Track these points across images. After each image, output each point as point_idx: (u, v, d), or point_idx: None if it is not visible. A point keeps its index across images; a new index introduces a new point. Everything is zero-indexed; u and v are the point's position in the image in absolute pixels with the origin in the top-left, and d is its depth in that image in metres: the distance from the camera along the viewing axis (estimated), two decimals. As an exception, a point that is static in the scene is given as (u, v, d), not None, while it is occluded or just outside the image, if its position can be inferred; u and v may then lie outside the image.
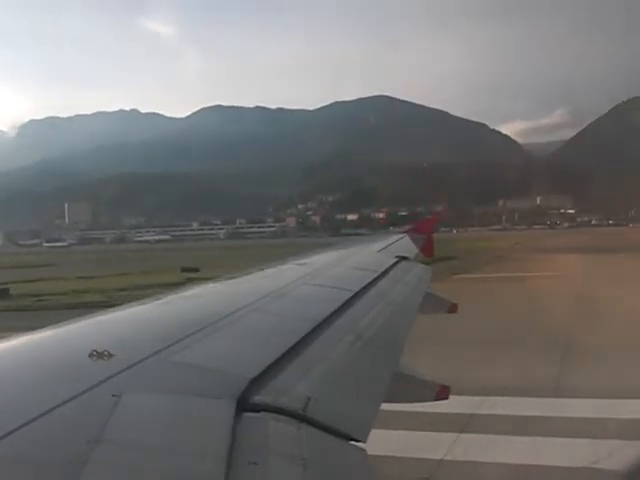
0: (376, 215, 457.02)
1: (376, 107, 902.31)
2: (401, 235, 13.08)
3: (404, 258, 9.10)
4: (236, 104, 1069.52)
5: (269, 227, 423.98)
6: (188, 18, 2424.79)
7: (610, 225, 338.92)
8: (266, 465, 2.00)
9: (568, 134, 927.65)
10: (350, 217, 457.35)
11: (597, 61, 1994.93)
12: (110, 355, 2.58)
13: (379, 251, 10.15)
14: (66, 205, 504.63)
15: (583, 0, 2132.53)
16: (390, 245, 11.05)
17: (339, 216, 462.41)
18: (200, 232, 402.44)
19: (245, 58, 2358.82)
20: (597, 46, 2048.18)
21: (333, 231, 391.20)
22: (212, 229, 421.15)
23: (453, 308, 7.89)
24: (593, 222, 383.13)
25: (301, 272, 6.46)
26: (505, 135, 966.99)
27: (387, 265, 7.84)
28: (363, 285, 5.88)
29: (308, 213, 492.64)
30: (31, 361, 2.73)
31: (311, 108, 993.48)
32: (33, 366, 2.63)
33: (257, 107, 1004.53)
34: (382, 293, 5.97)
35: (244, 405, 2.31)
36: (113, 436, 1.88)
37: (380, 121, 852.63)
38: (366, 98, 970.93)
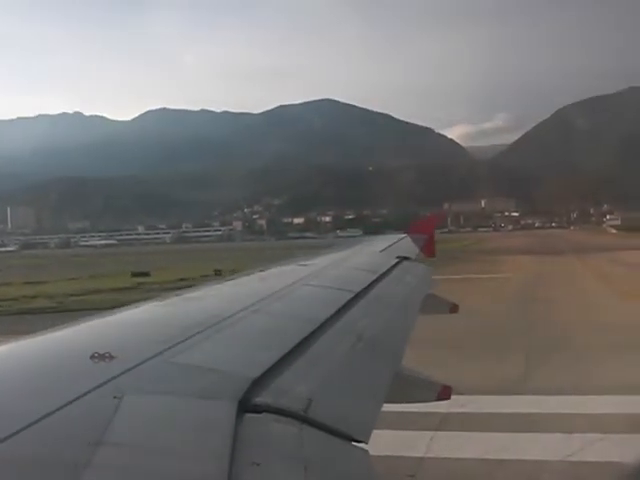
0: (322, 218, 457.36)
1: (321, 110, 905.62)
2: (402, 235, 13.00)
3: (405, 258, 9.04)
4: (182, 107, 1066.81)
5: (215, 231, 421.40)
6: (133, 20, 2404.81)
7: (553, 227, 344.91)
8: (268, 466, 2.00)
9: (511, 138, 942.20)
10: (296, 220, 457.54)
11: (539, 67, 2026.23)
12: (112, 357, 2.59)
13: (380, 251, 10.09)
14: (8, 209, 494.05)
15: (525, 7, 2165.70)
16: (391, 245, 11.03)
17: (285, 219, 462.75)
18: (146, 236, 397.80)
19: (191, 61, 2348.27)
20: (539, 52, 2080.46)
21: (279, 235, 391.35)
22: (158, 233, 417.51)
23: (454, 308, 7.84)
24: (537, 224, 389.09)
25: (302, 273, 6.43)
26: (450, 139, 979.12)
27: (388, 266, 7.81)
28: (364, 286, 5.85)
29: (254, 217, 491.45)
30: (33, 363, 2.72)
31: (256, 111, 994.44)
32: (35, 368, 2.63)
33: (203, 110, 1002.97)
34: (383, 294, 5.95)
35: (246, 406, 2.32)
36: (115, 438, 1.89)
37: (325, 124, 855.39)
38: (311, 102, 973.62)
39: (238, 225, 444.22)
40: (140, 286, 53.95)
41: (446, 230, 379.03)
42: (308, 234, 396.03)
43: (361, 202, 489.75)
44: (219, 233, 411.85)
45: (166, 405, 2.28)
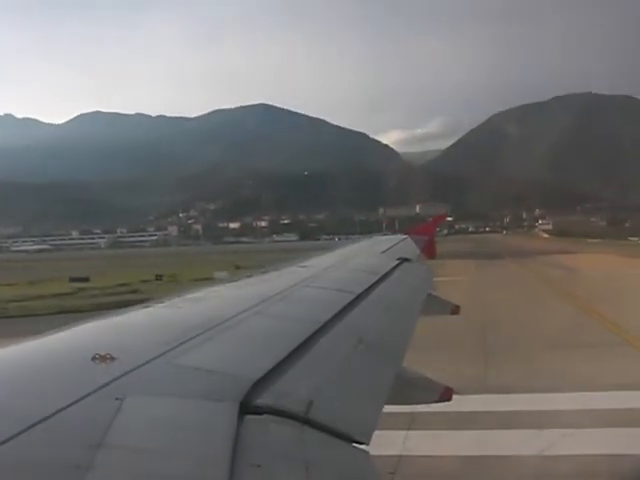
0: (258, 223, 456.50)
1: (256, 115, 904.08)
2: (403, 237, 13.27)
3: (406, 260, 9.15)
4: (116, 111, 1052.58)
5: (151, 236, 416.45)
6: (66, 21, 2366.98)
7: (487, 232, 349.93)
8: (269, 468, 2.01)
9: (445, 144, 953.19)
10: (232, 225, 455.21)
11: (471, 75, 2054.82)
12: (113, 358, 2.60)
13: (381, 253, 10.24)
14: None
15: (460, 19, 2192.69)
16: (392, 247, 11.28)
17: (221, 224, 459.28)
18: (80, 241, 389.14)
19: (125, 64, 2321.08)
20: (471, 59, 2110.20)
21: (215, 239, 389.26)
22: (93, 238, 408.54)
23: (456, 310, 7.88)
24: (470, 229, 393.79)
25: (303, 274, 6.46)
26: (385, 144, 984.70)
27: (389, 267, 7.83)
28: (366, 287, 5.87)
29: (190, 222, 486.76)
30: (35, 365, 2.72)
31: (191, 115, 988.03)
32: (37, 370, 2.63)
33: (137, 114, 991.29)
34: (384, 295, 5.95)
35: (247, 408, 2.32)
36: (117, 440, 1.89)
37: (260, 129, 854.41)
38: (246, 106, 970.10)
39: (173, 230, 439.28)
40: (81, 291, 53.80)
41: (381, 234, 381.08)
42: (244, 239, 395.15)
43: (297, 207, 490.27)
44: (154, 238, 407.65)
45: (167, 407, 2.28)
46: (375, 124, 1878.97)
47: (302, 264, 7.76)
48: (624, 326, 24.79)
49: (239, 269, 73.98)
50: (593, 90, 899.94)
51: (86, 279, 65.69)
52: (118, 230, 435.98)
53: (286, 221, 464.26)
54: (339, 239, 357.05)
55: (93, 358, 2.59)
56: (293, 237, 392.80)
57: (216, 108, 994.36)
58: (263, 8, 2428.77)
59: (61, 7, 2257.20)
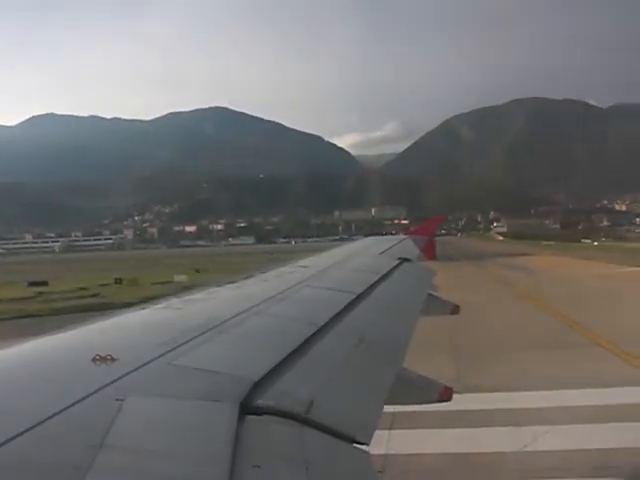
0: (214, 226, 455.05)
1: (212, 118, 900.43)
2: (403, 237, 13.36)
3: (406, 260, 9.15)
4: (70, 113, 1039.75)
5: (106, 239, 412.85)
6: (18, 23, 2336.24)
7: (442, 235, 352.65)
8: (270, 468, 2.01)
9: (400, 147, 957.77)
10: (188, 229, 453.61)
11: (427, 78, 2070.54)
12: (113, 359, 2.60)
13: (381, 253, 10.28)
14: None
15: (415, 21, 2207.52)
16: (392, 247, 11.34)
17: (177, 228, 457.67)
18: (34, 245, 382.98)
19: (80, 66, 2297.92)
20: (427, 63, 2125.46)
21: (172, 243, 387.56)
22: (46, 242, 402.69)
23: (456, 310, 7.84)
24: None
25: (303, 275, 6.47)
26: (340, 147, 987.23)
27: (389, 267, 7.85)
28: (365, 287, 5.85)
29: (145, 225, 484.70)
30: (35, 366, 2.74)
31: (147, 118, 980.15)
32: (37, 371, 2.64)
33: (92, 116, 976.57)
34: (384, 295, 5.94)
35: (247, 408, 2.32)
36: (117, 440, 1.89)
37: (216, 132, 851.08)
38: (202, 109, 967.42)
39: (129, 233, 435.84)
40: (40, 295, 53.34)
41: (337, 238, 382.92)
42: (201, 242, 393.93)
43: (252, 210, 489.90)
44: (110, 242, 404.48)
45: (168, 407, 2.29)
46: (331, 127, 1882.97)
47: (302, 264, 7.73)
48: (585, 324, 25.87)
49: (199, 273, 74.05)
50: (547, 94, 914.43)
51: (45, 283, 64.93)
52: (72, 234, 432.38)
53: (242, 224, 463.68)
54: (295, 242, 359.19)
55: (93, 359, 2.60)
56: (249, 240, 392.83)
57: (172, 111, 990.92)
58: (219, 12, 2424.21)
59: (14, 9, 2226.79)
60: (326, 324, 3.98)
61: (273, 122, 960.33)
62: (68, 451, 1.84)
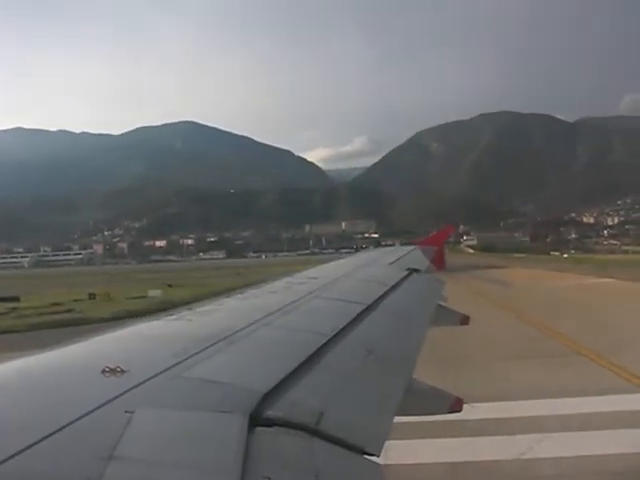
0: (185, 241, 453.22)
1: (182, 132, 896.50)
2: (412, 248, 13.49)
3: (415, 270, 9.20)
4: (39, 127, 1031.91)
5: (76, 254, 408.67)
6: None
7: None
8: (279, 479, 1.99)
9: (369, 161, 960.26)
10: (159, 243, 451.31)
11: (397, 92, 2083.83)
12: (123, 371, 2.60)
13: (390, 264, 10.33)
14: None
15: (383, 36, 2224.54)
16: (401, 258, 11.43)
17: (147, 242, 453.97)
18: (2, 261, 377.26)
19: (48, 80, 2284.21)
20: (397, 78, 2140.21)
21: (142, 258, 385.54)
22: (15, 257, 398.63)
23: (465, 320, 7.79)
24: (397, 245, 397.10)
25: (312, 286, 6.48)
26: (310, 162, 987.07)
27: (399, 278, 7.89)
28: (375, 298, 5.85)
29: (115, 240, 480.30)
30: (45, 377, 2.75)
31: (116, 133, 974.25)
32: (47, 383, 2.65)
33: (61, 131, 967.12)
34: (394, 306, 5.92)
35: (257, 419, 2.31)
36: (126, 452, 1.89)
37: (186, 147, 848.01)
38: (171, 124, 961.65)
39: (99, 248, 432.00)
40: (14, 311, 52.99)
41: (308, 252, 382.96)
42: (171, 257, 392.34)
43: (222, 224, 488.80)
44: (79, 257, 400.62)
45: (177, 419, 2.28)
46: (300, 142, 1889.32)
47: (311, 275, 7.84)
48: (564, 332, 27.07)
49: (172, 287, 74.00)
50: (515, 109, 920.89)
51: (16, 299, 64.55)
52: (41, 249, 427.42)
53: (212, 239, 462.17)
54: (265, 256, 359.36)
55: (103, 371, 2.60)
56: (220, 255, 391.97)
57: (141, 125, 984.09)
58: (186, 26, 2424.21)
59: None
60: (336, 335, 3.96)
61: (243, 136, 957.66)
62: (78, 463, 1.82)
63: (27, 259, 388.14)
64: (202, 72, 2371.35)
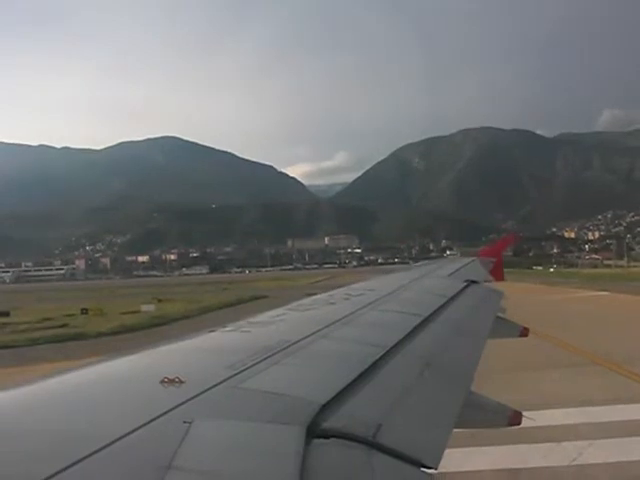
0: (167, 256, 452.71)
1: (164, 148, 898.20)
2: (471, 259, 13.54)
3: (474, 282, 9.13)
4: (19, 142, 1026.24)
5: (58, 270, 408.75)
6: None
7: (395, 263, 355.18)
8: None
9: (351, 177, 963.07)
10: (141, 259, 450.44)
11: (378, 109, 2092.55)
12: (181, 382, 2.65)
13: (449, 275, 10.39)
14: None
15: (362, 51, 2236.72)
16: (460, 269, 11.50)
17: (129, 258, 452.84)
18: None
19: (29, 94, 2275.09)
20: (378, 94, 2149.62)
21: (124, 273, 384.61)
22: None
23: (525, 332, 7.50)
24: (379, 260, 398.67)
25: (371, 297, 6.46)
26: (292, 177, 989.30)
27: (457, 289, 7.88)
28: (433, 310, 5.83)
29: (97, 255, 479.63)
30: (104, 387, 2.81)
31: (97, 148, 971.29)
32: (106, 392, 2.71)
33: (41, 145, 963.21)
34: (452, 318, 5.86)
35: (315, 431, 2.31)
36: (185, 463, 1.91)
37: (168, 162, 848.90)
38: (154, 139, 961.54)
39: (81, 264, 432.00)
40: (6, 326, 52.64)
41: (292, 267, 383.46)
42: (154, 272, 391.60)
43: (205, 240, 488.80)
44: (62, 272, 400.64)
45: (235, 430, 2.31)
46: (282, 157, 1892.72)
47: (369, 287, 7.87)
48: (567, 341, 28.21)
49: (162, 302, 74.14)
50: (495, 124, 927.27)
51: (6, 313, 64.11)
52: (23, 264, 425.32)
53: (195, 254, 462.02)
54: (249, 272, 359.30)
55: (162, 381, 2.66)
56: (203, 270, 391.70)
57: (123, 140, 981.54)
58: (169, 41, 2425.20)
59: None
60: (394, 347, 4.00)
61: (225, 152, 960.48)
62: (137, 473, 1.87)
63: (9, 274, 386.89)
64: (184, 87, 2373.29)
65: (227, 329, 4.43)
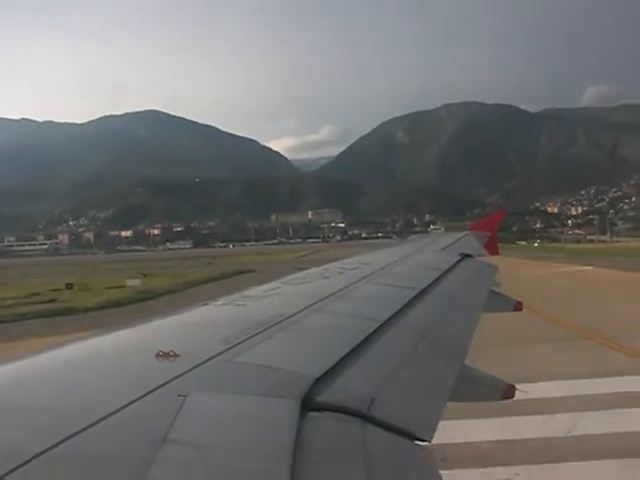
0: (151, 231, 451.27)
1: (146, 122, 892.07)
2: (464, 233, 13.54)
3: (468, 256, 9.18)
4: (0, 115, 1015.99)
5: (41, 245, 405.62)
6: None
7: (380, 237, 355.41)
8: (330, 464, 2.00)
9: (336, 151, 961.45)
10: (125, 233, 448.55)
11: (362, 82, 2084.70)
12: (176, 355, 2.64)
13: (443, 249, 10.39)
14: None
15: (347, 26, 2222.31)
16: (454, 243, 11.49)
17: (113, 232, 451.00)
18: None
19: (11, 67, 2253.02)
20: (362, 68, 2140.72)
21: (108, 248, 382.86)
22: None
23: (519, 306, 7.55)
24: (363, 235, 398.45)
25: (365, 271, 6.50)
26: (275, 151, 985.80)
27: (451, 263, 7.89)
28: (427, 283, 5.83)
29: (80, 230, 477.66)
30: (99, 361, 2.81)
31: (80, 122, 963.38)
32: (101, 366, 2.71)
33: (23, 119, 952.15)
34: (446, 291, 5.89)
35: (309, 404, 2.31)
36: (179, 436, 1.92)
37: (151, 136, 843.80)
38: (136, 113, 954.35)
39: (65, 238, 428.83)
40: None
41: (276, 241, 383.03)
42: (138, 247, 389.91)
43: (189, 214, 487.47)
44: (45, 247, 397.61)
45: (229, 403, 2.31)
46: (266, 131, 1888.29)
47: (364, 261, 7.91)
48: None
49: (147, 277, 73.88)
50: (480, 99, 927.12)
51: (-10, 290, 63.62)
52: (5, 239, 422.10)
53: (178, 229, 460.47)
54: (233, 246, 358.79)
55: (157, 355, 2.65)
56: (187, 245, 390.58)
57: (106, 114, 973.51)
58: (150, 14, 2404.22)
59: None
60: (388, 320, 3.96)
61: (208, 126, 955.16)
62: (132, 445, 1.87)
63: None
64: (168, 61, 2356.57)
65: (221, 303, 4.39)
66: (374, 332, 3.57)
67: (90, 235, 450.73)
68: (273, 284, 5.64)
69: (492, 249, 12.22)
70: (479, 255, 10.44)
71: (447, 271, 7.11)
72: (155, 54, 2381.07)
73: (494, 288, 7.54)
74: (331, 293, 4.76)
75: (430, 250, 10.52)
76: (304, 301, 4.27)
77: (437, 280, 6.29)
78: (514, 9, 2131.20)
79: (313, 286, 5.71)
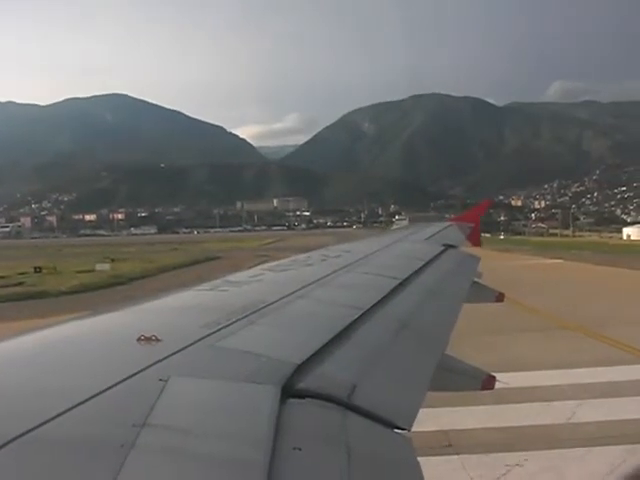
0: (115, 216, 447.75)
1: (111, 105, 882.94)
2: (448, 224, 13.55)
3: (451, 246, 9.17)
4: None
5: (2, 227, 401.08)
6: None
7: (344, 227, 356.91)
8: (310, 451, 1.99)
9: (301, 139, 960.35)
10: (88, 217, 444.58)
11: (329, 71, 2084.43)
12: (157, 340, 2.63)
13: (426, 239, 10.37)
14: None
15: (315, 16, 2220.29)
16: (437, 233, 11.50)
17: (76, 216, 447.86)
18: None
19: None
20: (329, 57, 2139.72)
21: (71, 232, 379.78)
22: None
23: (500, 297, 7.57)
24: (328, 224, 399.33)
25: (348, 259, 6.52)
26: (242, 138, 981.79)
27: (434, 253, 7.87)
28: (410, 273, 5.82)
29: (43, 213, 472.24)
30: (80, 345, 2.79)
31: (43, 104, 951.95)
32: (82, 350, 2.69)
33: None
34: (429, 281, 5.88)
35: (289, 391, 2.31)
36: (160, 420, 1.91)
37: (116, 120, 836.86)
38: (101, 96, 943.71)
39: (27, 222, 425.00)
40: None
41: (240, 228, 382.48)
42: (101, 231, 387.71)
43: (153, 199, 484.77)
44: (6, 230, 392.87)
45: (210, 388, 2.31)
46: (233, 118, 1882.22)
47: (346, 249, 8.00)
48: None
49: (114, 262, 73.58)
50: (447, 91, 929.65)
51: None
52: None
53: (143, 214, 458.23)
54: (197, 232, 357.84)
55: (138, 339, 2.63)
56: (151, 230, 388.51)
57: (70, 96, 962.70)
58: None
59: None
60: (370, 309, 3.96)
61: (174, 111, 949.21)
62: (112, 429, 1.86)
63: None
64: (134, 44, 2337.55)
65: (204, 288, 4.40)
66: (356, 320, 3.58)
67: (53, 219, 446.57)
68: (256, 270, 5.64)
69: (475, 240, 12.47)
70: (461, 246, 10.46)
71: (430, 261, 7.10)
72: (124, 38, 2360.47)
73: (476, 279, 7.54)
74: (314, 280, 4.78)
75: (414, 240, 10.61)
76: (287, 288, 4.26)
77: (420, 270, 6.25)
78: (483, 3, 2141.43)
79: (296, 273, 5.71)
